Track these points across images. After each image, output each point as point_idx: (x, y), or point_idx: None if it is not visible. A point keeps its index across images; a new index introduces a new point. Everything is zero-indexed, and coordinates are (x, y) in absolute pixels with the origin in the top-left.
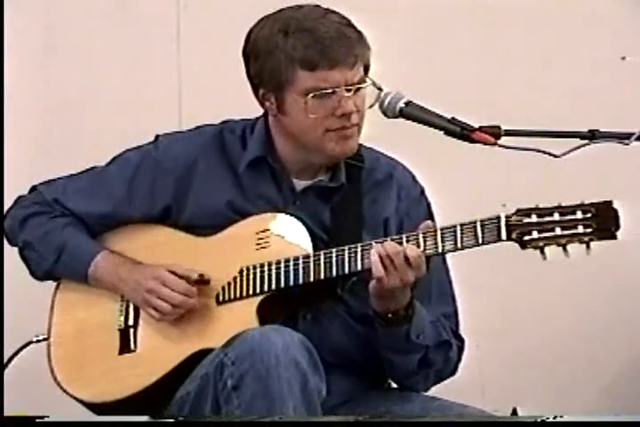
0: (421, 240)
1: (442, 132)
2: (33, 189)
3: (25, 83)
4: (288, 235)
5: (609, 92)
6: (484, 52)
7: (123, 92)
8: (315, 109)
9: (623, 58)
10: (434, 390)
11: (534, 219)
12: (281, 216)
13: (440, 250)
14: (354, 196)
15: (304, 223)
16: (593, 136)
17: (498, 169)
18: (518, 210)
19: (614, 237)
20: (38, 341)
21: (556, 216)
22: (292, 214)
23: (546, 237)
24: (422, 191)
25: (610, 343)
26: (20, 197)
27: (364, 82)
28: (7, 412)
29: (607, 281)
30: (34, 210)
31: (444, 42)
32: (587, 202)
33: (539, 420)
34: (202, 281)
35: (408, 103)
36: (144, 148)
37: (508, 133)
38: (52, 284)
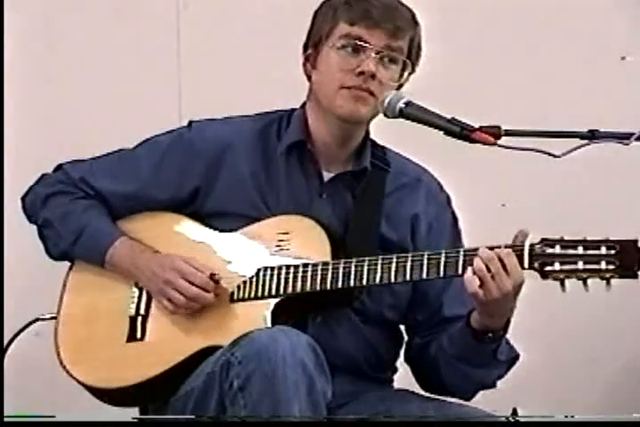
0: (442, 260)
1: (442, 133)
2: (58, 167)
3: (25, 82)
4: (309, 239)
5: (609, 92)
6: (483, 51)
7: (122, 91)
8: (340, 62)
9: (623, 58)
10: None
11: (558, 250)
12: (304, 219)
13: (460, 272)
14: (376, 191)
15: (326, 229)
16: (593, 136)
17: (498, 169)
18: (543, 239)
19: (636, 276)
20: (46, 319)
21: (580, 250)
22: (316, 219)
23: (567, 270)
24: (448, 199)
25: (610, 344)
26: (43, 175)
27: (400, 56)
28: (7, 411)
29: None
30: (57, 189)
31: (444, 42)
32: (612, 238)
33: (539, 420)
34: (212, 280)
35: (408, 103)
36: (175, 131)
37: (508, 133)
38: (57, 269)
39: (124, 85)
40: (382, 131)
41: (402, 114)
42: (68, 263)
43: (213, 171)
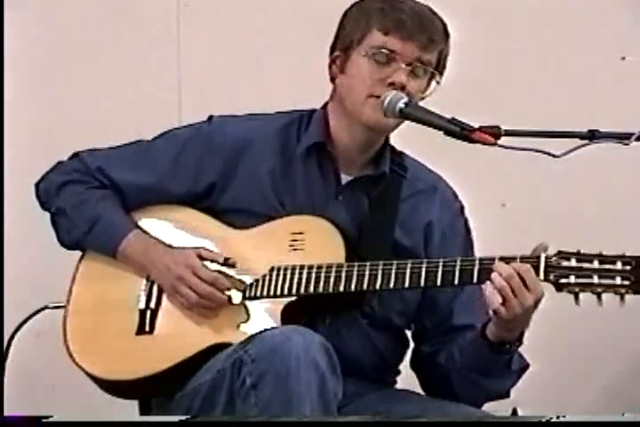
0: (458, 268)
1: (441, 133)
2: (75, 155)
3: (25, 82)
4: (323, 240)
5: (609, 92)
6: (483, 51)
7: (122, 91)
8: (370, 70)
9: (623, 58)
10: None
11: (574, 263)
12: (319, 220)
13: (475, 280)
14: (392, 196)
15: (341, 230)
16: (593, 136)
17: (498, 169)
18: (559, 252)
19: None
20: (55, 307)
21: (596, 264)
22: (331, 220)
23: (582, 284)
24: (462, 208)
25: (610, 343)
26: (59, 163)
27: (429, 68)
28: (7, 411)
29: None
30: (73, 177)
31: None
32: (629, 254)
33: (539, 420)
34: (228, 265)
35: (408, 103)
36: (195, 125)
37: (508, 133)
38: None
39: (123, 85)
40: None
41: (402, 114)
42: (70, 260)
43: (231, 167)
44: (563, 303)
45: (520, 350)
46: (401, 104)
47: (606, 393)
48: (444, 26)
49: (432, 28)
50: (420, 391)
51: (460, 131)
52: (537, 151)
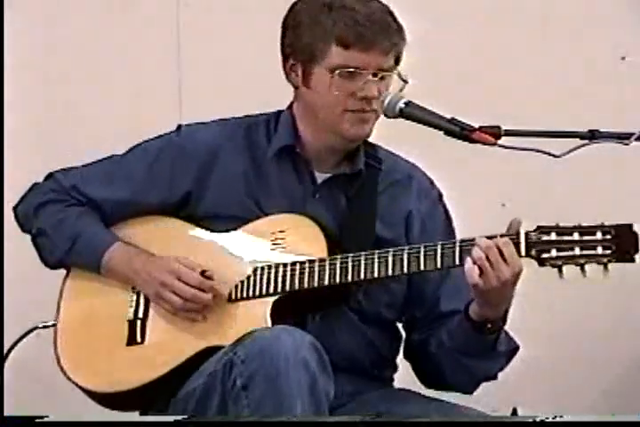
0: (439, 251)
1: (442, 132)
2: (49, 176)
3: (25, 83)
4: (305, 237)
5: (609, 92)
6: (483, 52)
7: (122, 92)
8: (339, 87)
9: (623, 58)
10: (434, 391)
11: (554, 237)
12: (299, 217)
13: (457, 262)
14: (370, 191)
15: (322, 226)
16: (593, 136)
17: (498, 169)
18: (539, 227)
19: (632, 260)
20: (44, 327)
21: (576, 236)
22: (310, 217)
23: (564, 257)
24: (440, 195)
25: (610, 344)
26: (35, 184)
27: (393, 71)
28: (7, 411)
29: (607, 281)
30: (49, 197)
31: (444, 42)
32: (607, 223)
33: (539, 420)
34: (205, 277)
35: (408, 103)
36: (165, 136)
37: (508, 133)
38: (57, 275)
39: (123, 85)
40: (382, 131)
41: (402, 114)
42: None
43: (205, 173)
44: (563, 306)
45: (521, 349)
46: (401, 104)
47: (606, 394)
48: (397, 21)
49: (390, 31)
50: (420, 390)
51: (459, 131)
52: (537, 151)
